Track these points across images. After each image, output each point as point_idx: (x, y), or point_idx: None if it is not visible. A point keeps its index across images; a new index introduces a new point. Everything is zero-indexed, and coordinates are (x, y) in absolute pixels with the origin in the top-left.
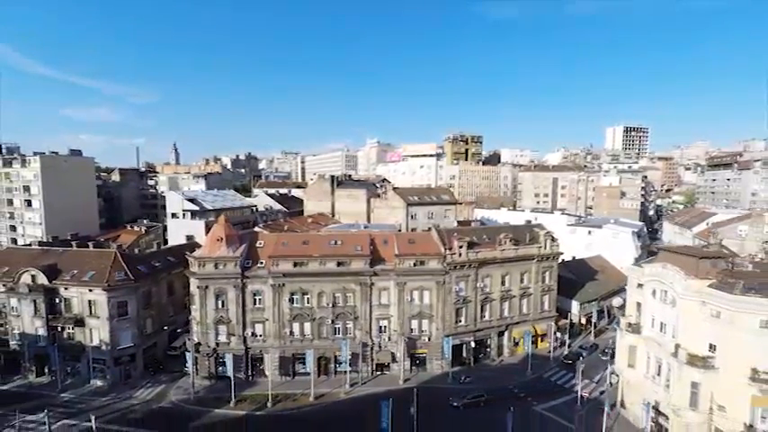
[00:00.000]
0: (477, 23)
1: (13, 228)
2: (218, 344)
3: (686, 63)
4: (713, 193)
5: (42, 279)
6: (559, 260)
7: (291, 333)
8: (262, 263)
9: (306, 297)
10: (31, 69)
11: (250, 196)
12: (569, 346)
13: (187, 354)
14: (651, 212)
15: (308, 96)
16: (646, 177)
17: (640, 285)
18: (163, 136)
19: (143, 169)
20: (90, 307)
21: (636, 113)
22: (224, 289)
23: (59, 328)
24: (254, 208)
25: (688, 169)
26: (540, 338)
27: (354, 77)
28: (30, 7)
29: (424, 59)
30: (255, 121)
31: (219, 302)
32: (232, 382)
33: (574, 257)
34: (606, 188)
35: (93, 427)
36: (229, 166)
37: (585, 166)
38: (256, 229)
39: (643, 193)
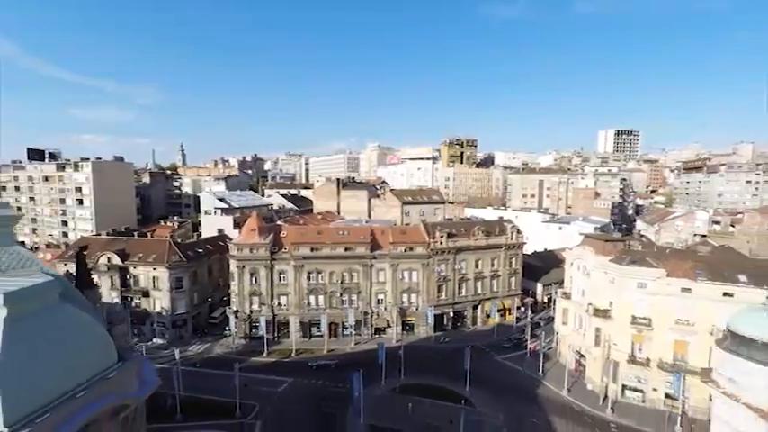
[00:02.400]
0: (476, 27)
1: (65, 223)
2: (251, 311)
3: (685, 66)
4: (687, 194)
5: (116, 260)
6: (527, 250)
7: (309, 303)
8: (285, 248)
9: (320, 275)
10: (33, 67)
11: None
12: (531, 319)
13: (228, 320)
14: (630, 212)
15: (311, 99)
16: (625, 180)
17: (571, 263)
18: (166, 137)
19: (168, 172)
20: (153, 282)
21: (631, 116)
22: (256, 268)
23: (129, 298)
24: (271, 206)
25: (673, 171)
26: (507, 312)
27: (356, 80)
28: (39, 9)
29: (423, 62)
30: (258, 123)
31: (253, 279)
32: (265, 339)
33: (545, 249)
34: (582, 190)
35: (177, 358)
36: (237, 167)
37: (569, 169)
38: (279, 222)
39: (622, 194)
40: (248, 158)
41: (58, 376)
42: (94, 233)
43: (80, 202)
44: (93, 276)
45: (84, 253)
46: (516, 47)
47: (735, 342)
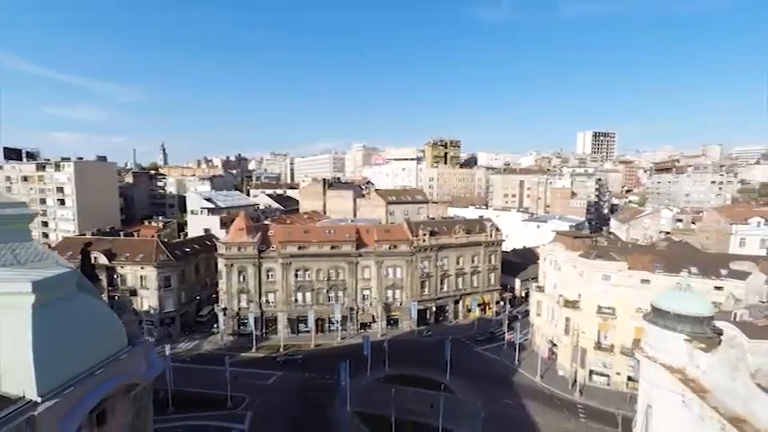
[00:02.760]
0: (462, 29)
1: (45, 224)
2: (240, 308)
3: (659, 70)
4: (658, 193)
5: (103, 259)
6: (506, 248)
7: (296, 300)
8: (273, 247)
9: (307, 273)
10: (10, 65)
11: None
12: (510, 312)
13: (216, 318)
14: (605, 211)
15: (296, 99)
16: (600, 180)
17: (544, 259)
18: (146, 136)
19: (152, 171)
20: (141, 281)
21: (609, 118)
22: (245, 266)
23: (116, 298)
24: (257, 206)
25: (646, 172)
26: (487, 306)
27: (341, 81)
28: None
29: (408, 63)
30: (242, 122)
31: (241, 277)
32: (253, 335)
33: (524, 246)
34: (560, 190)
35: (168, 353)
36: (220, 167)
37: (548, 170)
38: (266, 221)
39: (597, 193)
40: (232, 158)
41: (78, 356)
42: (77, 233)
43: (61, 202)
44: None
45: (89, 249)
46: (501, 49)
47: (655, 315)
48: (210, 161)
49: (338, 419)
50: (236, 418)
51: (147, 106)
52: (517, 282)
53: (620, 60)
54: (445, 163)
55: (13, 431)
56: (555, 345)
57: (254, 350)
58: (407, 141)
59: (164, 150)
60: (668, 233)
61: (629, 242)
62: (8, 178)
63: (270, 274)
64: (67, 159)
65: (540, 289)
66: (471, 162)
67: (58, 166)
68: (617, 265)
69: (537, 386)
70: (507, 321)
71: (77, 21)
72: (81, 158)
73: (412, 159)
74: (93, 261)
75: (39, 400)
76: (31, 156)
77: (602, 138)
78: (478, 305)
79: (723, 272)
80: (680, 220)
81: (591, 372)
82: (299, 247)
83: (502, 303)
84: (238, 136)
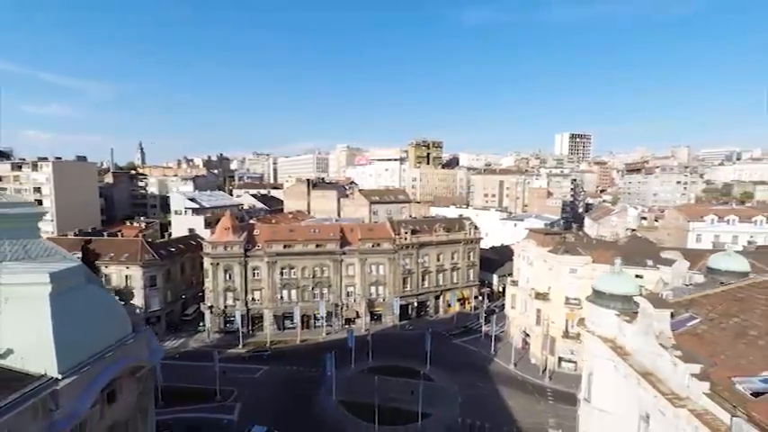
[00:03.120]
0: (445, 31)
1: None
2: (226, 306)
3: (632, 73)
4: (629, 193)
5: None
6: (485, 245)
7: (282, 297)
8: (259, 246)
9: (293, 270)
10: None
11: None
12: (488, 307)
13: (202, 316)
14: (581, 209)
15: (278, 99)
16: (575, 180)
17: (518, 255)
18: (122, 135)
19: (132, 171)
20: (126, 280)
21: (586, 120)
22: (231, 265)
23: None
24: (241, 206)
25: (619, 172)
26: (466, 301)
27: (323, 81)
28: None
29: (392, 64)
30: (222, 122)
31: (227, 275)
32: (240, 332)
33: (502, 244)
34: (537, 189)
35: None
36: (202, 167)
37: (527, 170)
38: (252, 221)
39: (573, 193)
40: (214, 158)
41: (91, 340)
42: (56, 234)
43: (39, 202)
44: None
45: (89, 246)
46: (485, 51)
47: (595, 296)
48: (191, 161)
49: (324, 408)
50: (226, 410)
51: (123, 104)
52: (495, 278)
53: (599, 63)
54: (428, 163)
55: (39, 404)
56: (528, 335)
57: (240, 347)
58: (391, 142)
59: (141, 150)
60: (634, 230)
61: (594, 239)
62: None
63: (256, 272)
64: (45, 159)
65: (515, 283)
66: (453, 163)
67: (35, 166)
68: (582, 260)
69: (511, 373)
70: (485, 315)
71: (45, 15)
72: (59, 158)
73: (395, 160)
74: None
75: (59, 377)
76: (5, 155)
77: (578, 139)
78: (458, 300)
79: (649, 262)
80: (644, 218)
81: (560, 359)
82: (285, 246)
83: (480, 298)
84: (219, 136)
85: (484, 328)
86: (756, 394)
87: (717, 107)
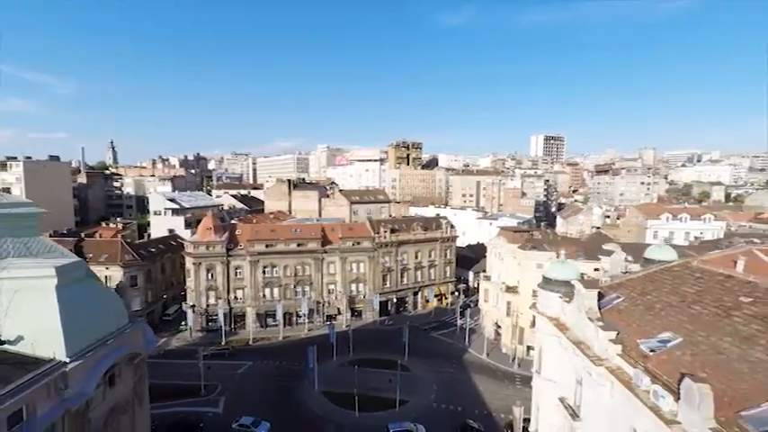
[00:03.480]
0: (425, 33)
1: None
2: (208, 305)
3: (604, 77)
4: (599, 193)
5: None
6: (462, 243)
7: (264, 296)
8: (241, 245)
9: (275, 269)
10: None
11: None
12: (464, 302)
13: (184, 315)
14: (554, 209)
15: (255, 98)
16: (548, 181)
17: (491, 251)
18: (89, 133)
19: (107, 171)
20: (106, 281)
21: (561, 122)
22: (213, 264)
23: None
24: (221, 206)
25: (590, 173)
26: (443, 296)
27: (301, 80)
28: None
29: (372, 64)
30: (197, 121)
31: (209, 275)
32: (223, 330)
33: (477, 242)
34: (511, 190)
35: None
36: (178, 167)
37: (502, 171)
38: (233, 221)
39: (546, 193)
40: (190, 158)
41: (94, 328)
42: None
43: None
44: None
45: (81, 245)
46: (463, 53)
47: (544, 282)
48: (167, 161)
49: (307, 398)
50: (211, 403)
51: (91, 101)
52: (471, 274)
53: (574, 66)
54: (408, 164)
55: (51, 384)
56: (499, 326)
57: (223, 344)
58: (371, 142)
59: (113, 148)
60: (598, 228)
61: (560, 235)
62: None
63: (238, 271)
64: (14, 159)
65: (488, 278)
66: (433, 163)
67: (4, 166)
68: (548, 255)
69: (483, 362)
70: (461, 309)
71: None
72: (29, 157)
73: (375, 161)
74: None
75: (68, 360)
76: None
77: (552, 141)
78: (435, 296)
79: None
80: (608, 217)
81: (528, 347)
82: (267, 245)
83: (457, 294)
84: (194, 135)
85: (459, 322)
86: (652, 350)
87: (683, 110)
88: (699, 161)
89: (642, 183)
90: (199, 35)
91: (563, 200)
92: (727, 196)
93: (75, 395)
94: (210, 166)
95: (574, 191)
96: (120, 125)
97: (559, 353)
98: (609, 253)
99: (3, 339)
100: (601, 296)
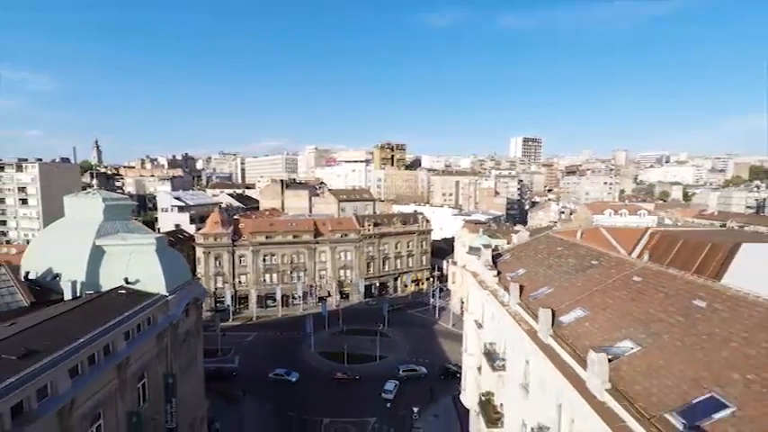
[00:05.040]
0: (409, 35)
1: (4, 222)
2: (216, 289)
3: (582, 81)
4: (569, 192)
5: None
6: (438, 237)
7: (264, 280)
8: (244, 237)
9: (273, 257)
10: None
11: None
12: (437, 286)
13: None
14: (527, 207)
15: (238, 96)
16: (522, 181)
17: (457, 240)
18: (68, 131)
19: (109, 172)
20: None
21: (541, 123)
22: (220, 253)
23: None
24: (221, 204)
25: (563, 173)
26: (420, 281)
27: (287, 81)
28: None
29: (358, 65)
30: (181, 120)
31: (217, 262)
32: (230, 309)
33: (452, 235)
34: (486, 189)
35: None
36: (167, 167)
37: (479, 172)
38: (235, 217)
39: (519, 192)
40: (179, 157)
41: (177, 277)
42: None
43: (23, 201)
44: None
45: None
46: (447, 55)
47: (468, 249)
48: (155, 160)
49: (305, 356)
50: (228, 361)
51: (68, 98)
52: (444, 263)
53: (554, 69)
54: (392, 165)
55: (161, 307)
56: (464, 302)
57: (230, 321)
58: (356, 141)
59: (98, 148)
60: (555, 222)
61: (511, 227)
62: None
63: (242, 259)
64: (24, 160)
65: (455, 263)
66: (417, 164)
67: (20, 167)
68: (499, 242)
69: (450, 330)
70: (433, 291)
71: None
72: (40, 159)
73: (361, 161)
74: None
75: (167, 294)
76: None
77: (530, 142)
78: (413, 281)
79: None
80: (563, 212)
81: None
82: (267, 237)
83: (432, 279)
84: (180, 134)
85: (432, 302)
86: (511, 277)
87: (656, 113)
88: (667, 162)
89: (605, 183)
90: (183, 36)
91: (537, 198)
92: (685, 195)
93: (173, 315)
94: (198, 165)
95: (549, 190)
96: (100, 125)
97: (478, 295)
98: (516, 233)
99: (129, 281)
100: (499, 255)
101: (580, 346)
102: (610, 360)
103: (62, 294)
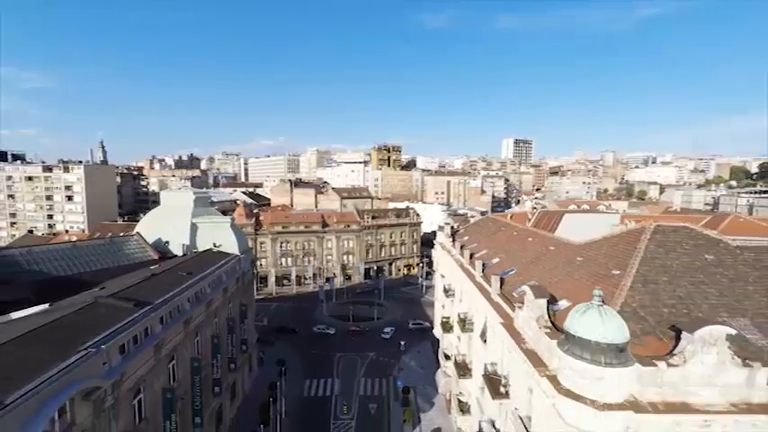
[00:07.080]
0: (404, 37)
1: (51, 216)
2: None
3: (573, 81)
4: (552, 191)
5: None
6: (428, 229)
7: (281, 263)
8: (264, 228)
9: (288, 244)
10: None
11: None
12: (425, 270)
13: None
14: (513, 205)
15: (238, 96)
16: (507, 180)
17: (440, 230)
18: (65, 130)
19: (134, 172)
20: None
21: (533, 125)
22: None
23: None
24: (236, 201)
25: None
26: (411, 267)
27: (284, 81)
28: None
29: (355, 66)
30: (183, 119)
31: None
32: (254, 287)
33: None
34: (473, 188)
35: None
36: (174, 167)
37: (469, 172)
38: (255, 210)
39: (506, 191)
40: (185, 158)
41: (242, 244)
42: (86, 224)
43: (69, 198)
44: None
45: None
46: (443, 58)
47: (438, 228)
48: (163, 160)
49: (318, 317)
50: (259, 320)
51: (63, 97)
52: (433, 252)
53: (549, 71)
54: (388, 165)
55: (238, 262)
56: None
57: (255, 295)
58: (354, 140)
59: (102, 147)
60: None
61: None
62: (9, 177)
63: (262, 245)
64: (69, 162)
65: (440, 248)
66: (412, 164)
67: (66, 169)
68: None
69: (433, 302)
70: (422, 274)
71: None
72: (80, 161)
73: (360, 162)
74: None
75: (240, 255)
76: (16, 157)
77: (522, 144)
78: (405, 266)
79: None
80: (535, 208)
81: None
82: (283, 227)
83: (421, 265)
84: (178, 134)
85: (420, 281)
86: (462, 246)
87: (644, 115)
88: (654, 162)
89: (584, 183)
90: (178, 35)
91: (525, 197)
92: (661, 194)
93: (246, 269)
94: (202, 165)
95: (537, 189)
96: (100, 125)
97: (447, 260)
98: (473, 216)
99: (216, 245)
100: (457, 231)
101: (488, 273)
102: (501, 280)
103: (172, 255)
